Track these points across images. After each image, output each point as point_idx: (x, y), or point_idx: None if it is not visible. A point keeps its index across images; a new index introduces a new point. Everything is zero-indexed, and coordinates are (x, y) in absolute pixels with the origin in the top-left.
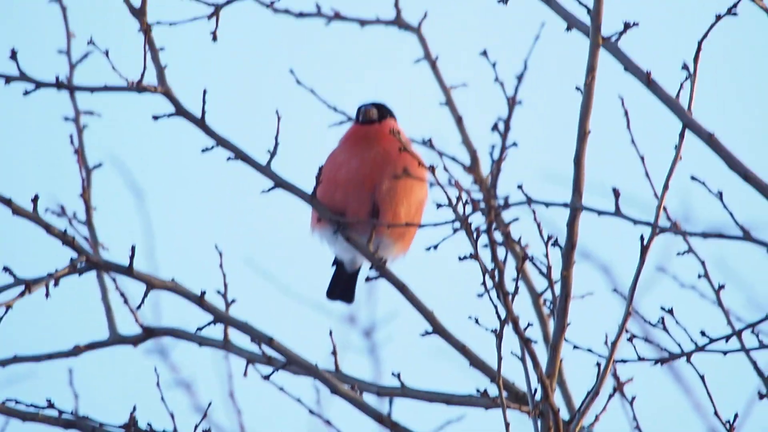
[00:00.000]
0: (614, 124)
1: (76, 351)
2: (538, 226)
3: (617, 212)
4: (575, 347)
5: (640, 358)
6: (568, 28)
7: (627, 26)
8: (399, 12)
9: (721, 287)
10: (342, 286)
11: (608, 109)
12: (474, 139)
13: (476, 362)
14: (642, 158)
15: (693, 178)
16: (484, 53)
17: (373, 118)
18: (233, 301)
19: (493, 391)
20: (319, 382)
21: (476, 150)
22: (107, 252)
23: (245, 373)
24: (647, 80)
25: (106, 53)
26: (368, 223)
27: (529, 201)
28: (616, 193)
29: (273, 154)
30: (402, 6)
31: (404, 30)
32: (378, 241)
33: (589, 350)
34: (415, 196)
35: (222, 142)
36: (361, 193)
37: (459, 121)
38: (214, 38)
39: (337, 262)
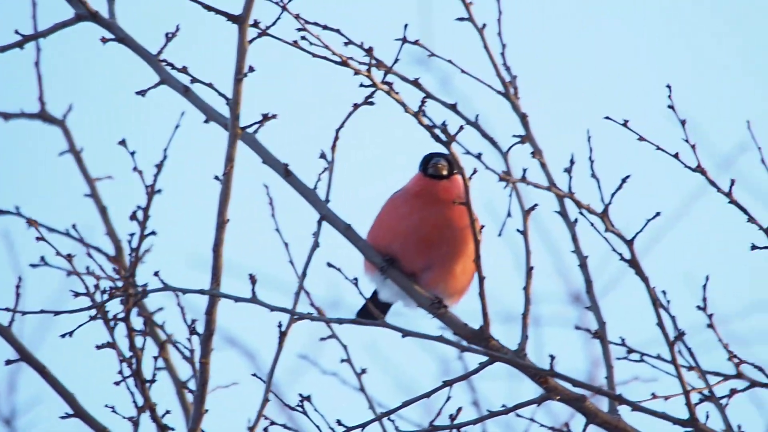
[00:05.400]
0: (259, 213)
1: None
2: (182, 311)
3: (254, 299)
4: None
5: None
6: (207, 121)
7: (266, 117)
8: (43, 105)
9: (363, 371)
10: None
11: (253, 198)
12: (119, 230)
13: None
14: (286, 245)
15: (329, 264)
16: (123, 142)
17: (442, 174)
18: None
19: None
20: None
21: (120, 240)
22: None
23: None
24: (285, 172)
25: None
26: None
27: (166, 288)
28: (253, 280)
29: None
30: (47, 99)
31: (49, 123)
32: (433, 292)
33: None
34: (470, 255)
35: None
36: (418, 251)
37: (103, 211)
38: None
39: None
